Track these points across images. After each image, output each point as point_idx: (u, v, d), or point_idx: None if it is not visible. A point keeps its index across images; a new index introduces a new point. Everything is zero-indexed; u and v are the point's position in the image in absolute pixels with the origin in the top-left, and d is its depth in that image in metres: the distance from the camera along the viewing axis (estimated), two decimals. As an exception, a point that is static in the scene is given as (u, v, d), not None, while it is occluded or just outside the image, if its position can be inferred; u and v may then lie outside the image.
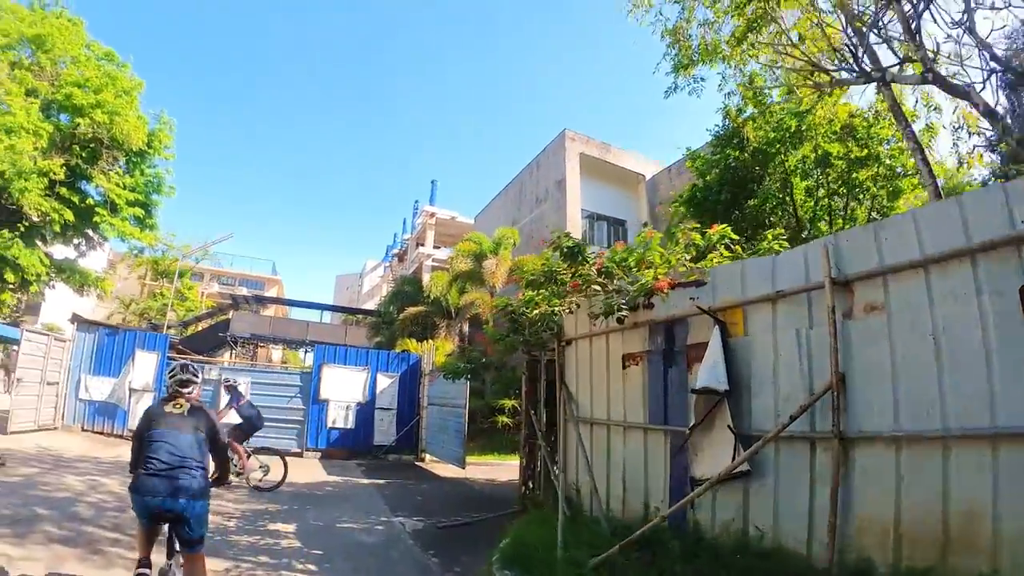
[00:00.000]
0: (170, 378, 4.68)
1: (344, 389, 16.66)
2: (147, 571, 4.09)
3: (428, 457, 16.59)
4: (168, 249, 39.96)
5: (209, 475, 4.47)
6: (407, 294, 27.83)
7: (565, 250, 8.72)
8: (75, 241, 33.20)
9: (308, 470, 13.93)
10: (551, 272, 8.79)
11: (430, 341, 21.65)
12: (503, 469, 15.70)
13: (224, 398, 11.59)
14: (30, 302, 37.93)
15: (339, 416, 16.54)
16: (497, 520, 9.47)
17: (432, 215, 41.41)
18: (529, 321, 8.61)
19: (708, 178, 14.61)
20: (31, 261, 28.49)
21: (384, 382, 17.01)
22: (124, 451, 9.11)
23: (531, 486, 10.27)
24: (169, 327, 32.13)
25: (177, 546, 4.34)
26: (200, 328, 31.15)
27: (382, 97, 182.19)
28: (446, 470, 14.98)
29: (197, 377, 4.72)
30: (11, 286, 28.67)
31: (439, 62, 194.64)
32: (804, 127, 13.02)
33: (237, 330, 23.93)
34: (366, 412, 16.81)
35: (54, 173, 27.30)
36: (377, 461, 16.18)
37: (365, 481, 13.05)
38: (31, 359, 14.17)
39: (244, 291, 60.18)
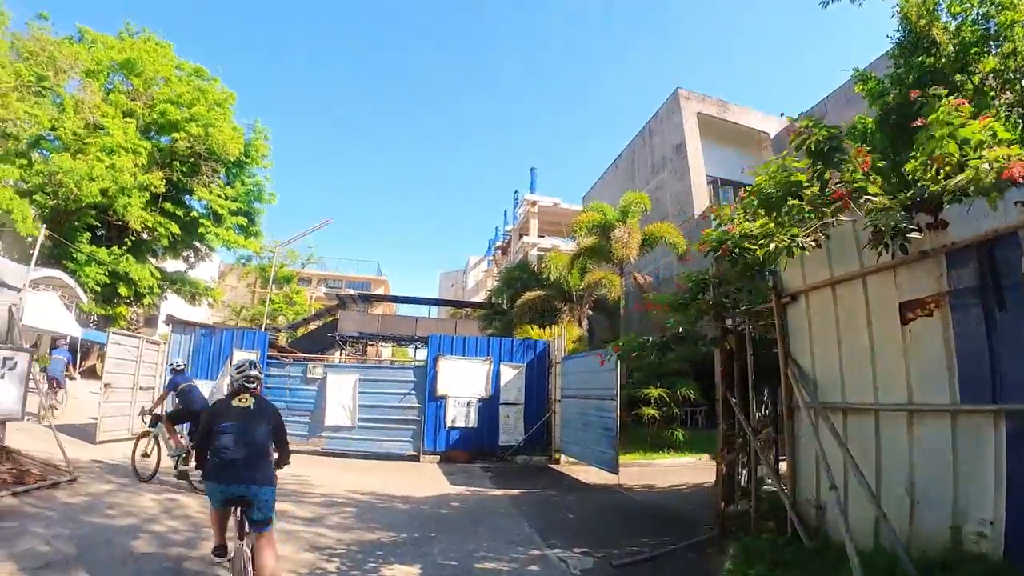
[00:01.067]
0: (238, 374, 4.87)
1: (463, 383, 14.40)
2: (224, 555, 4.59)
3: (563, 459, 13.98)
4: (274, 256, 39.96)
5: (274, 462, 4.70)
6: (520, 281, 25.46)
7: (815, 147, 5.74)
8: (184, 254, 33.50)
9: (427, 478, 11.70)
10: (790, 184, 5.82)
11: (553, 327, 19.09)
12: (657, 472, 12.87)
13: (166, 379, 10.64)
14: (146, 314, 38.88)
15: (459, 414, 14.28)
16: (691, 552, 6.77)
17: (534, 203, 39.06)
18: (748, 264, 5.73)
19: (889, 99, 11.10)
20: (142, 274, 28.49)
21: (508, 374, 14.58)
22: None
23: (733, 501, 7.40)
24: (278, 330, 31.53)
25: (247, 528, 4.43)
26: (310, 329, 30.29)
27: (481, 83, 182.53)
28: (589, 475, 12.34)
29: (261, 375, 5.03)
30: (126, 300, 29.00)
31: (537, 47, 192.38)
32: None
33: (345, 329, 22.51)
34: (489, 409, 14.43)
35: (155, 186, 27.07)
36: (504, 464, 13.75)
37: (496, 492, 10.63)
38: (120, 363, 12.84)
39: (351, 291, 60.52)
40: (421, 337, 21.72)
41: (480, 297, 44.01)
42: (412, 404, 14.51)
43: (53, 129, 24.44)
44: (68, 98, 24.28)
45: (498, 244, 46.59)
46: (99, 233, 27.44)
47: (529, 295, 21.78)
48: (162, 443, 9.24)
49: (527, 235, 38.67)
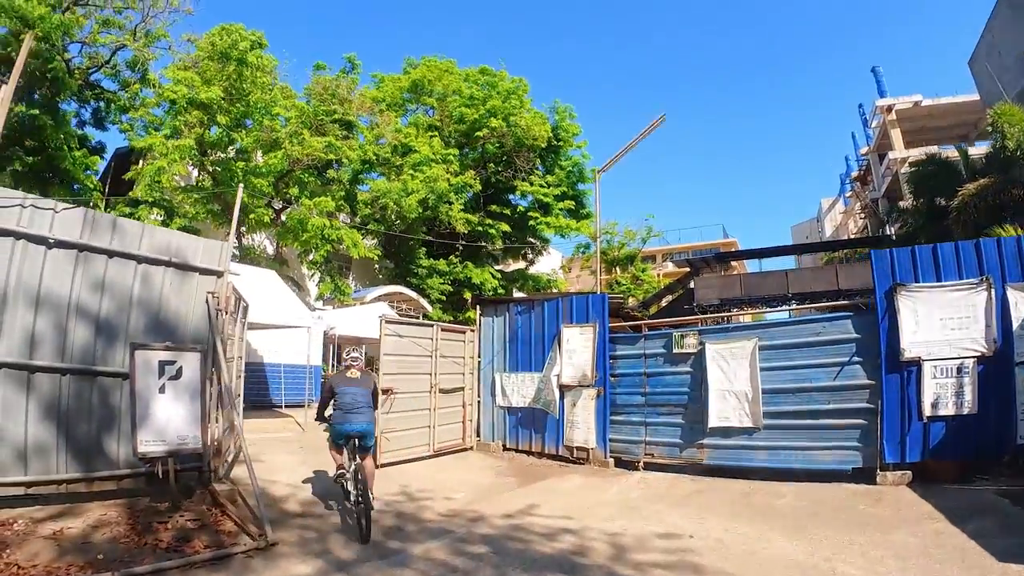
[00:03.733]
0: (347, 356, 6.73)
1: (944, 332, 7.26)
2: (345, 471, 6.01)
3: None
4: (612, 237, 36.67)
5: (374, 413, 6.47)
6: (934, 179, 16.64)
7: None
8: (522, 252, 32.08)
9: (931, 541, 5.45)
10: None
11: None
12: None
13: None
14: None
15: (943, 392, 7.25)
16: None
17: (889, 108, 28.71)
18: None
19: None
20: (483, 277, 27.20)
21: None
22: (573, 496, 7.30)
23: None
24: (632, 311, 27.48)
25: (356, 455, 6.02)
26: (662, 305, 25.49)
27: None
28: None
29: (359, 359, 6.69)
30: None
31: None
32: None
33: (702, 298, 17.14)
34: (995, 375, 7.05)
35: (471, 186, 25.66)
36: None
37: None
38: (402, 361, 9.29)
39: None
40: (798, 294, 15.09)
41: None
42: (856, 380, 7.79)
43: (365, 163, 24.13)
44: (365, 128, 23.62)
45: (853, 175, 35.86)
46: (434, 248, 26.66)
47: (971, 186, 13.26)
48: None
49: (892, 151, 28.16)
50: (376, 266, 26.77)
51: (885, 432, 7.40)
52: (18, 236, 5.50)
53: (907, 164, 28.18)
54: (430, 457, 9.46)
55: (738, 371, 8.44)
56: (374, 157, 23.45)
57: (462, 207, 24.75)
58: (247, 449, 6.45)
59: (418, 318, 23.73)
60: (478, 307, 11.59)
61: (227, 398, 7.02)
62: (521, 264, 32.49)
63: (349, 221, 23.26)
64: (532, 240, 30.26)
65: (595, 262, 37.72)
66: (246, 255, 19.75)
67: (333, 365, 19.67)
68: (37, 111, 16.27)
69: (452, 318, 27.11)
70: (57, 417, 5.59)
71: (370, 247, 22.97)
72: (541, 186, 27.03)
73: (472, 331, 11.00)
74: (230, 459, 7.85)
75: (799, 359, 8.14)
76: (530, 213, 27.60)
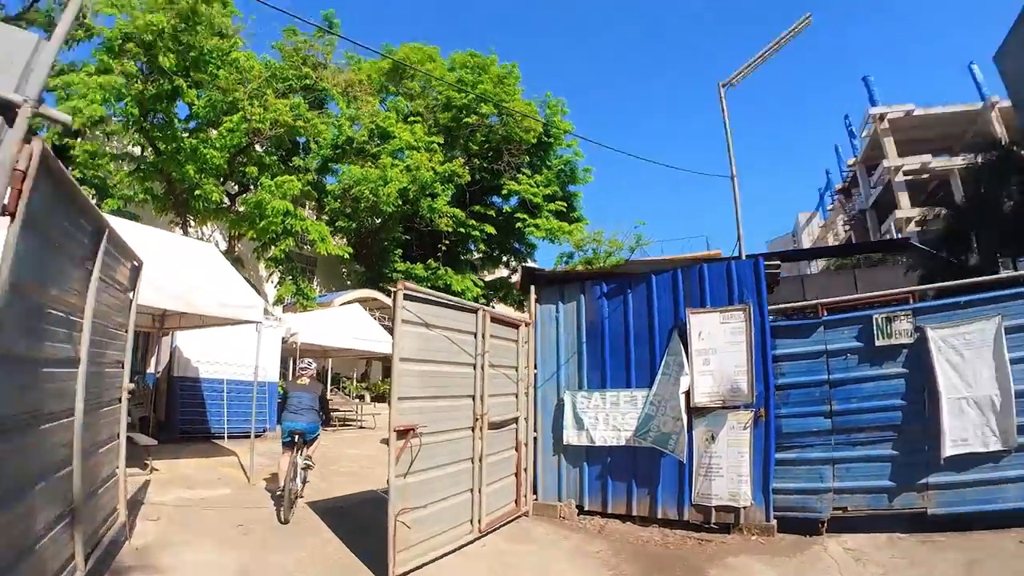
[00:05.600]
0: (300, 368, 7.01)
1: None
2: (295, 466, 6.10)
3: None
4: (598, 246, 32.88)
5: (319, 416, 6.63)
6: (994, 171, 13.68)
7: None
8: (504, 259, 28.11)
9: None
10: None
11: None
12: None
13: None
14: None
15: None
16: None
17: (882, 117, 26.50)
18: None
19: None
20: (464, 285, 22.81)
21: None
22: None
23: None
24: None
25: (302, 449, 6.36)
26: None
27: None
28: None
29: (311, 367, 6.93)
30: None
31: None
32: None
33: None
34: None
35: (459, 175, 21.69)
36: None
37: None
38: (426, 377, 4.84)
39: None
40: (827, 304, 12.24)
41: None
42: None
43: (337, 149, 19.87)
44: (341, 100, 19.39)
45: (837, 187, 33.66)
46: (412, 249, 22.41)
47: None
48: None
49: (886, 160, 25.95)
50: (344, 269, 22.29)
51: None
52: None
53: (901, 172, 26.21)
54: (476, 539, 5.26)
55: (978, 367, 5.09)
56: (347, 143, 19.20)
57: (448, 200, 20.69)
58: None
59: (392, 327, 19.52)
60: (532, 288, 7.16)
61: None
62: (503, 272, 28.64)
63: (316, 216, 18.91)
64: (517, 245, 26.50)
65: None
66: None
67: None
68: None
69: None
70: None
71: (340, 245, 18.62)
72: (530, 185, 23.19)
73: (527, 326, 6.94)
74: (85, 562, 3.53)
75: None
76: (517, 215, 23.75)
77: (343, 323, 14.55)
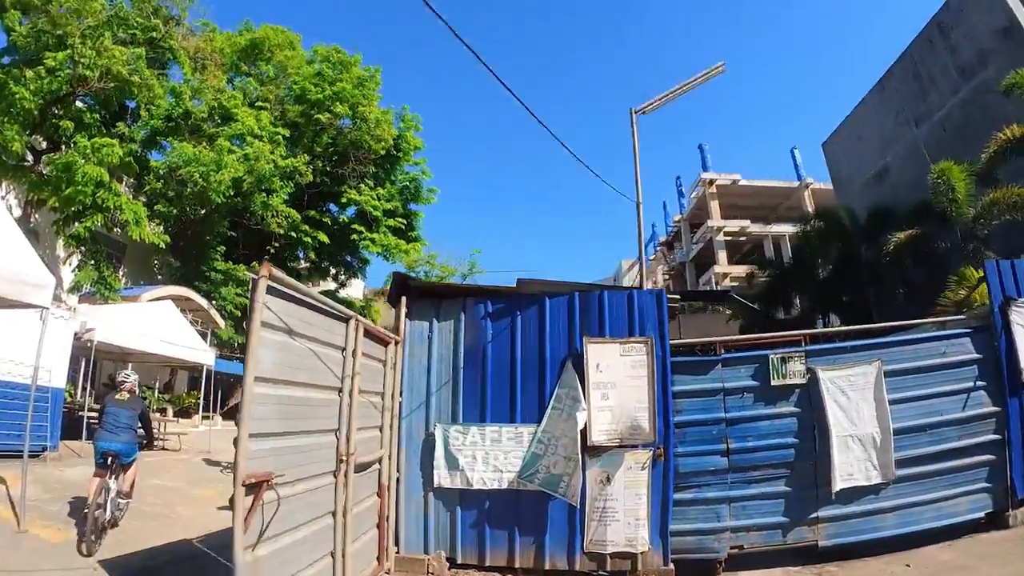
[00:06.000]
0: (119, 381, 6.33)
1: None
2: (105, 488, 5.52)
3: None
4: (431, 268, 31.59)
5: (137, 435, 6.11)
6: (823, 236, 15.62)
7: None
8: (333, 271, 25.93)
9: None
10: None
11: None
12: None
13: None
14: None
15: None
16: None
17: (711, 182, 29.57)
18: None
19: None
20: (286, 295, 20.93)
21: None
22: None
23: None
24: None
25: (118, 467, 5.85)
26: None
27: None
28: None
29: (129, 378, 6.28)
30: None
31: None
32: None
33: None
34: None
35: (301, 173, 19.59)
36: None
37: None
38: (286, 404, 3.55)
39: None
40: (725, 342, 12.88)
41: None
42: (979, 409, 5.72)
43: (170, 122, 16.98)
44: (188, 66, 16.71)
45: (661, 239, 36.71)
46: (238, 248, 19.65)
47: (902, 235, 12.04)
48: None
49: (710, 219, 28.98)
50: (157, 261, 18.93)
51: (1014, 465, 5.56)
52: None
53: (722, 232, 29.41)
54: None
55: (861, 407, 5.44)
56: (183, 117, 16.43)
57: (285, 200, 18.53)
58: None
59: (206, 332, 16.72)
60: (403, 299, 5.94)
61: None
62: (329, 285, 26.53)
63: (132, 195, 15.69)
64: (350, 258, 24.73)
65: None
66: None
67: (92, 388, 13.29)
68: None
69: (244, 341, 20.18)
70: None
71: (156, 232, 15.61)
72: (371, 197, 21.72)
73: (396, 344, 5.81)
74: None
75: (921, 386, 5.63)
76: (354, 226, 22.13)
77: (151, 323, 12.25)
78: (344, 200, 21.75)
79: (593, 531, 5.01)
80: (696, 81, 11.23)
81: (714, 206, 28.99)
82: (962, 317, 6.34)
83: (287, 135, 19.13)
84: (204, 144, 16.47)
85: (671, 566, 4.96)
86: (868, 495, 5.39)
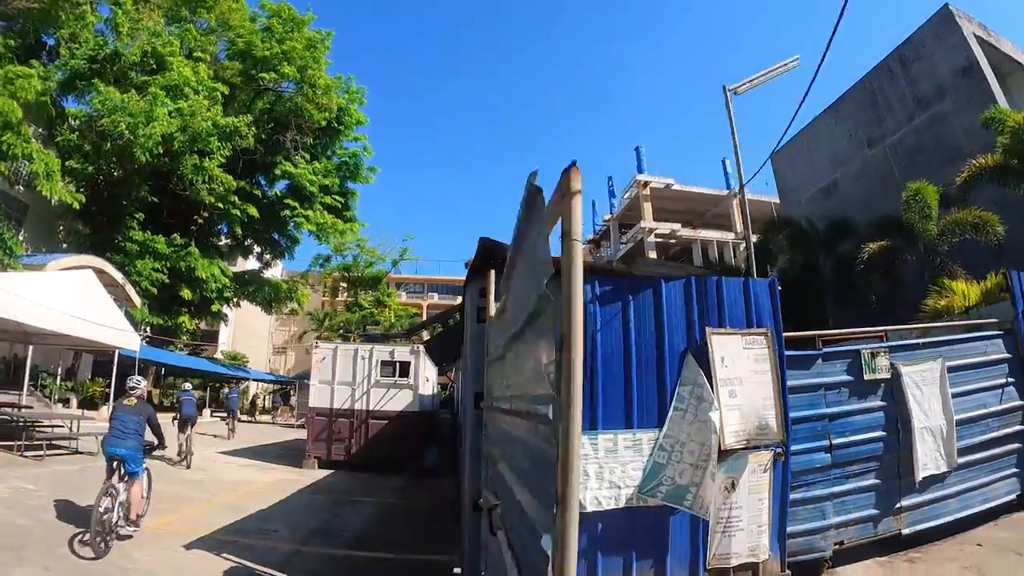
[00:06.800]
0: (129, 387, 6.51)
1: None
2: (112, 488, 5.82)
3: None
4: (360, 254, 29.84)
5: (144, 441, 6.33)
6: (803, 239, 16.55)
7: None
8: (257, 250, 23.73)
9: None
10: None
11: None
12: None
13: None
14: (209, 327, 28.45)
15: None
16: None
17: (646, 184, 30.34)
18: None
19: None
20: (211, 272, 18.56)
21: None
22: None
23: None
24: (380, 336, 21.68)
25: (125, 475, 6.09)
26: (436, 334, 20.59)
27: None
28: None
29: (140, 384, 6.55)
30: (189, 306, 18.91)
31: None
32: None
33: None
34: None
35: (241, 136, 17.59)
36: None
37: None
38: None
39: (435, 297, 49.87)
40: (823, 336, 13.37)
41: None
42: (1011, 402, 6.51)
43: (94, 64, 14.65)
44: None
45: (590, 238, 37.33)
46: (157, 217, 17.43)
47: (874, 246, 12.90)
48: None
49: (642, 220, 29.86)
50: (63, 226, 16.28)
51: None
52: None
53: (653, 234, 30.44)
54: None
55: (931, 401, 5.85)
56: (111, 59, 14.21)
57: (221, 164, 16.66)
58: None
59: (121, 306, 14.53)
60: (491, 273, 5.25)
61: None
62: (252, 264, 24.53)
63: (42, 145, 13.23)
64: (277, 236, 22.98)
65: (344, 290, 30.92)
66: None
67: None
68: None
69: (160, 321, 18.01)
70: None
71: (69, 190, 13.35)
72: (307, 171, 20.20)
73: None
74: None
75: (974, 381, 6.22)
76: (287, 200, 20.54)
77: (59, 296, 10.51)
78: (277, 172, 20.03)
79: (717, 544, 4.67)
80: (777, 70, 12.76)
81: (647, 208, 29.83)
82: (993, 320, 6.90)
83: (226, 92, 17.19)
84: (133, 93, 14.34)
85: (788, 572, 4.80)
86: (936, 483, 5.79)
